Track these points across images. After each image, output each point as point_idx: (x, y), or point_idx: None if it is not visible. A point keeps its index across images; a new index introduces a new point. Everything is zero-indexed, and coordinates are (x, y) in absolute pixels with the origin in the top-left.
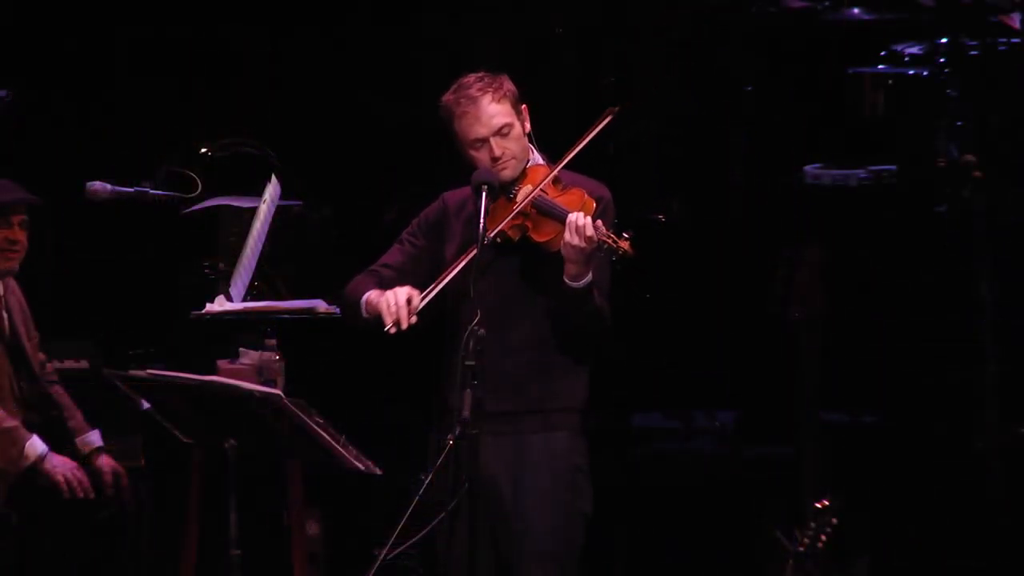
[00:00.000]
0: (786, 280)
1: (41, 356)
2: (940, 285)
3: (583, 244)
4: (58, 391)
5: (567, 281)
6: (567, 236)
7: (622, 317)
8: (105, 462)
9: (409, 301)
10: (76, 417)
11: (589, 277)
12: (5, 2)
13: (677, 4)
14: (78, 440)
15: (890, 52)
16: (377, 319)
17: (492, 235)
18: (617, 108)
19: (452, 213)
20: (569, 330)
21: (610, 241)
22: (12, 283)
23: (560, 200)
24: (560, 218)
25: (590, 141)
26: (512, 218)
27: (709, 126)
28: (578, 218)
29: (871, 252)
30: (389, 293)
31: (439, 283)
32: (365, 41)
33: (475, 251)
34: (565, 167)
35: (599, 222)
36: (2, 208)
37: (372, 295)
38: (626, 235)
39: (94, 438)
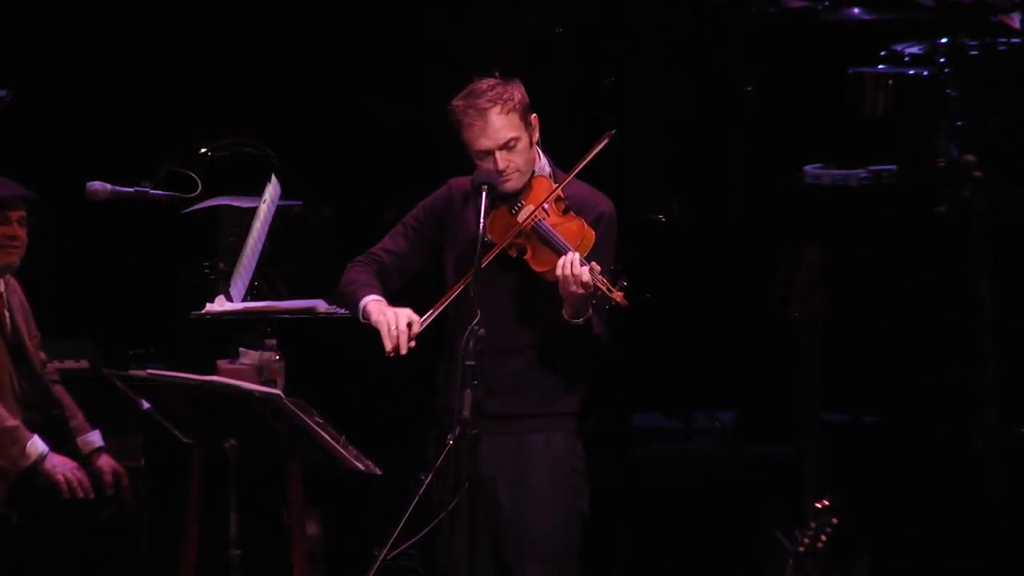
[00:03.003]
0: (786, 280)
1: (42, 355)
2: (940, 285)
3: (577, 289)
4: (59, 391)
5: (565, 318)
6: (561, 279)
7: (622, 317)
8: (105, 462)
9: (409, 326)
10: (77, 417)
11: (589, 313)
12: (5, 2)
13: (677, 4)
14: (79, 440)
15: (890, 52)
16: (374, 330)
17: (491, 255)
18: (614, 132)
19: (457, 205)
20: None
21: (604, 289)
22: (13, 282)
23: (560, 229)
24: (558, 251)
25: (591, 160)
26: (511, 239)
27: (709, 126)
28: (573, 264)
29: (871, 252)
30: (390, 314)
31: (439, 306)
32: (365, 41)
33: (473, 268)
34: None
35: (595, 267)
36: None
37: (371, 305)
38: (622, 283)
39: (95, 438)
